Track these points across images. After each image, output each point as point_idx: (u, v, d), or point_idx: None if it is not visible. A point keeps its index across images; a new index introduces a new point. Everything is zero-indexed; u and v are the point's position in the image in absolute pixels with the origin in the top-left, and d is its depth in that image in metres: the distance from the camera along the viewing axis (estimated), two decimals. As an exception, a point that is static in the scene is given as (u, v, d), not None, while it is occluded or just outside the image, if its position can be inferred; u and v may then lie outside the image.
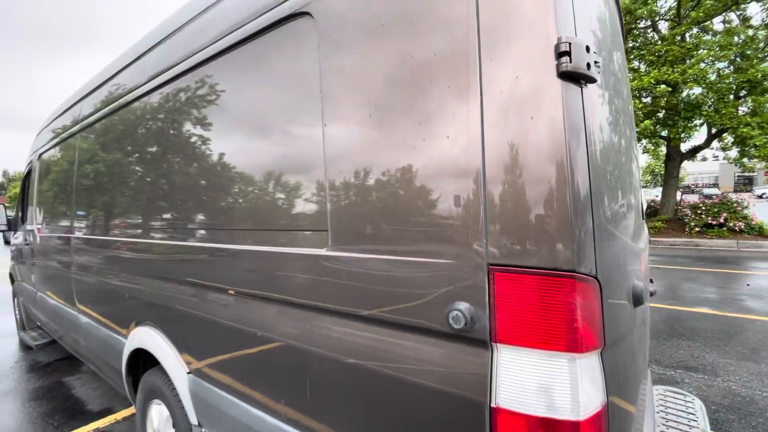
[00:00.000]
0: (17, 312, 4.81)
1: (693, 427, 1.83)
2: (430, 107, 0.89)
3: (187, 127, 1.74)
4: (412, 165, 0.92)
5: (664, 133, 12.20)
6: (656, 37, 11.91)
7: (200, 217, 1.65)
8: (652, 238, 11.44)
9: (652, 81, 9.98)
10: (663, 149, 14.25)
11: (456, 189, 0.84)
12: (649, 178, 47.17)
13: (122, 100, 2.24)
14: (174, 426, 1.85)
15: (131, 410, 3.00)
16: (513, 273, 0.77)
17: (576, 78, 0.77)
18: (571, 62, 0.73)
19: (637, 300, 1.01)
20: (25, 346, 4.45)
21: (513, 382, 0.77)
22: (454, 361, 0.85)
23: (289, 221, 1.25)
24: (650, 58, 10.89)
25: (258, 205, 1.37)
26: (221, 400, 1.51)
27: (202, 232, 1.62)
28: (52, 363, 3.97)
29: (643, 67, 11.90)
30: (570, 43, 0.73)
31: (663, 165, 13.66)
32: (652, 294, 1.58)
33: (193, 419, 1.66)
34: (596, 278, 0.77)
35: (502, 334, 0.78)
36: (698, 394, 2.88)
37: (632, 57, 11.40)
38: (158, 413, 1.99)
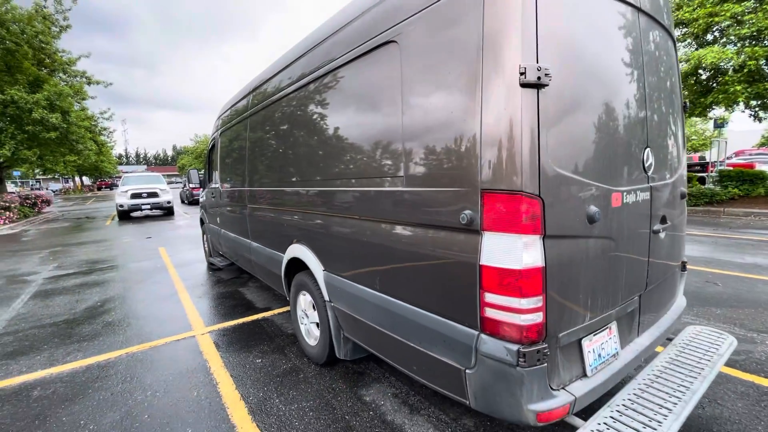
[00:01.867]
0: (206, 245, 6.90)
1: (705, 357, 2.13)
2: (456, 103, 1.56)
3: (320, 113, 2.67)
4: (446, 138, 1.61)
5: None
6: None
7: (330, 171, 2.58)
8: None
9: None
10: None
11: (467, 150, 1.51)
12: None
13: (276, 96, 3.32)
14: (314, 305, 2.94)
15: (282, 309, 4.39)
16: (492, 192, 1.44)
17: (532, 85, 1.36)
18: (525, 78, 1.34)
19: (590, 219, 1.55)
20: (211, 268, 6.45)
21: (490, 250, 1.47)
22: (462, 242, 1.57)
23: (382, 172, 2.06)
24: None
25: (364, 163, 2.21)
26: (342, 283, 2.47)
27: (333, 181, 2.55)
28: (230, 279, 5.77)
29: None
30: (526, 67, 1.33)
31: None
32: (655, 231, 1.98)
33: (326, 297, 2.69)
34: (539, 196, 1.39)
35: (486, 226, 1.47)
36: (772, 354, 2.93)
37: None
38: (304, 299, 3.13)
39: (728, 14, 8.42)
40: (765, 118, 11.16)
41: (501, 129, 1.40)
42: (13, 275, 6.63)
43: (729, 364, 2.82)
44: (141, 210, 15.53)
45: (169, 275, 6.19)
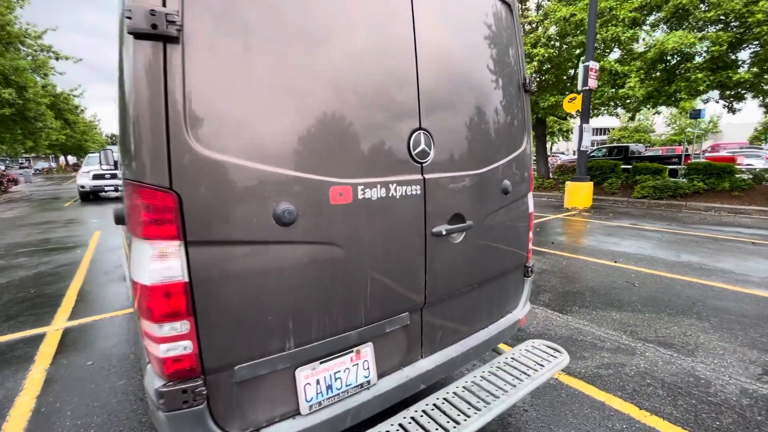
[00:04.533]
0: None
1: (528, 371, 1.84)
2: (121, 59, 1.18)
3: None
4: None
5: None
6: None
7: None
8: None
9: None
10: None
11: (124, 125, 1.14)
12: None
13: None
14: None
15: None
16: (128, 183, 1.08)
17: (150, 36, 0.98)
18: (134, 24, 0.96)
19: (278, 220, 1.19)
20: (128, 255, 6.12)
21: (133, 259, 1.12)
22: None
23: (127, 156, 1.69)
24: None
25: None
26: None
27: None
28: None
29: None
30: (133, 9, 0.96)
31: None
32: (437, 234, 1.63)
33: (130, 298, 2.35)
34: (172, 190, 1.04)
35: (130, 227, 1.11)
36: (645, 368, 2.64)
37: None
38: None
39: (695, -4, 7.92)
40: (739, 110, 10.77)
41: (126, 96, 1.05)
42: None
43: (589, 380, 2.52)
44: (105, 191, 15.03)
45: (80, 262, 5.85)
